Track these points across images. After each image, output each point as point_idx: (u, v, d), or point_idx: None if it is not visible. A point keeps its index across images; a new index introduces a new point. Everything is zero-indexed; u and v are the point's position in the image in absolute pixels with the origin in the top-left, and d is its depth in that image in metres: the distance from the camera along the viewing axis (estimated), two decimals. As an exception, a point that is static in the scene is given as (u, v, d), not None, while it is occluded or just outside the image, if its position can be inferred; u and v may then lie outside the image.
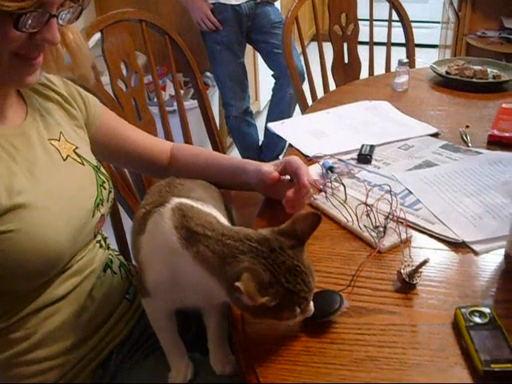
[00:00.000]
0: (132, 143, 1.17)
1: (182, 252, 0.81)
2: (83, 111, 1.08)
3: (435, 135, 1.44)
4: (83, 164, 1.01)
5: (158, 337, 0.96)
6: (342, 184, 1.12)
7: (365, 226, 1.01)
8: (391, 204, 1.02)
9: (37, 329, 0.93)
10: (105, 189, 1.04)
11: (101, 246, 1.06)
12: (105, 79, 1.50)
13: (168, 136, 1.69)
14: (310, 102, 2.04)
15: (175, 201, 0.89)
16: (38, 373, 0.94)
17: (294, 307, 0.76)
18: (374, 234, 1.00)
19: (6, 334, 0.92)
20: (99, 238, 1.07)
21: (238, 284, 0.70)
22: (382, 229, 1.00)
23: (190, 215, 0.84)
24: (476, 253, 0.97)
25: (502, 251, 0.93)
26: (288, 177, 1.10)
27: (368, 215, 1.04)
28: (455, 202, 1.11)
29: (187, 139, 1.79)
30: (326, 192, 1.12)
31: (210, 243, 0.79)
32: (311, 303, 0.79)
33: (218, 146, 1.88)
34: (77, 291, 0.97)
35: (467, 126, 1.46)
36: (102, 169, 1.07)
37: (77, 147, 1.01)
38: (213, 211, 0.89)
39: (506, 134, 1.37)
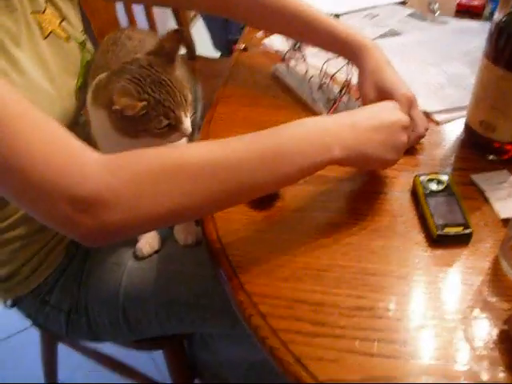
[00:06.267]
0: None
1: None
2: None
3: (402, 3, 1.40)
4: (68, 41, 0.94)
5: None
6: (302, 55, 1.10)
7: (318, 99, 1.00)
8: (347, 75, 1.01)
9: (17, 211, 0.91)
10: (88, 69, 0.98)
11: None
12: None
13: None
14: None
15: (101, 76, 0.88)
16: (12, 252, 0.95)
17: (159, 117, 0.80)
18: (325, 107, 0.99)
19: None
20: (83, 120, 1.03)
21: (115, 106, 0.76)
22: (333, 102, 1.00)
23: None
24: (437, 122, 0.98)
25: (463, 121, 0.94)
26: None
27: (321, 87, 1.03)
28: (419, 71, 1.10)
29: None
30: (287, 62, 1.10)
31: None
32: (187, 122, 0.83)
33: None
34: None
35: (435, -6, 1.43)
36: (88, 44, 1.00)
37: (63, 19, 0.94)
38: None
39: (475, 2, 1.35)
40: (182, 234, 0.98)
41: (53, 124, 0.62)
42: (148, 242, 0.99)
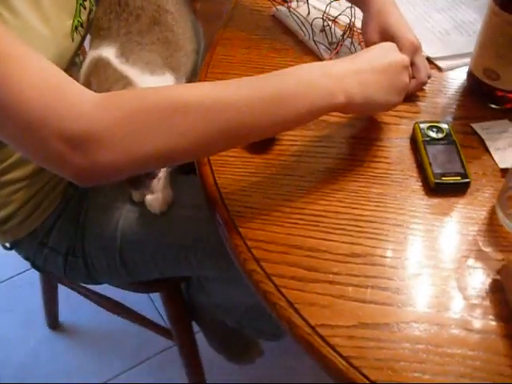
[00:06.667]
0: None
1: None
2: None
3: None
4: None
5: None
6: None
7: (319, 42, 0.98)
8: (349, 19, 0.98)
9: (12, 154, 0.90)
10: (84, 8, 0.95)
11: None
12: None
13: None
14: None
15: (96, 53, 0.88)
16: (9, 195, 0.94)
17: None
18: (327, 50, 0.97)
19: None
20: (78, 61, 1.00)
21: None
22: (335, 46, 0.97)
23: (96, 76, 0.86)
24: (440, 69, 0.96)
25: (466, 68, 0.92)
26: None
27: (323, 30, 1.01)
28: (425, 17, 1.07)
29: None
30: (289, 3, 1.07)
31: None
32: None
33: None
34: None
35: None
36: None
37: None
38: (132, 72, 0.88)
39: None
40: (156, 201, 0.97)
41: (46, 63, 0.61)
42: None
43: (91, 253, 1.01)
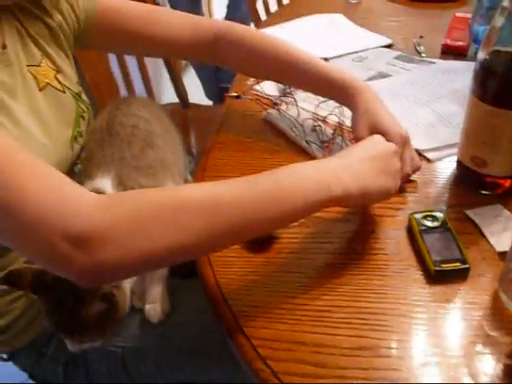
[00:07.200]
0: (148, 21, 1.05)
1: None
2: (72, 17, 0.99)
3: (389, 46, 1.44)
4: (64, 91, 0.96)
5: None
6: (294, 99, 1.12)
7: (311, 142, 1.01)
8: (339, 118, 1.03)
9: (14, 260, 0.90)
10: (83, 119, 1.00)
11: None
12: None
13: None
14: (263, 16, 2.00)
15: (92, 186, 0.89)
16: (10, 302, 0.94)
17: None
18: (319, 149, 1.00)
19: None
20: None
21: None
22: (327, 144, 1.01)
23: None
24: (429, 160, 0.99)
25: (455, 158, 0.95)
26: None
27: (314, 130, 1.04)
28: (409, 112, 1.12)
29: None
30: (279, 106, 1.12)
31: None
32: None
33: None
34: None
35: (421, 37, 1.46)
36: (83, 96, 1.02)
37: (58, 72, 0.95)
38: None
39: (459, 43, 1.38)
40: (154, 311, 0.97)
41: (49, 168, 0.63)
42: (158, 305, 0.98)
43: (92, 361, 0.99)
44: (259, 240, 0.79)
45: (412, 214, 0.84)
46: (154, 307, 0.95)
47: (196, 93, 2.46)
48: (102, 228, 0.60)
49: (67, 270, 0.61)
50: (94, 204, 0.62)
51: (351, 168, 0.74)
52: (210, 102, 2.78)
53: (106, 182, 0.90)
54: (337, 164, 0.74)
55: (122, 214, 0.61)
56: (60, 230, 0.59)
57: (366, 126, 0.91)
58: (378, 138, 0.82)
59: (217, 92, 2.86)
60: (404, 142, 0.88)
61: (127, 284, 0.85)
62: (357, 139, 0.92)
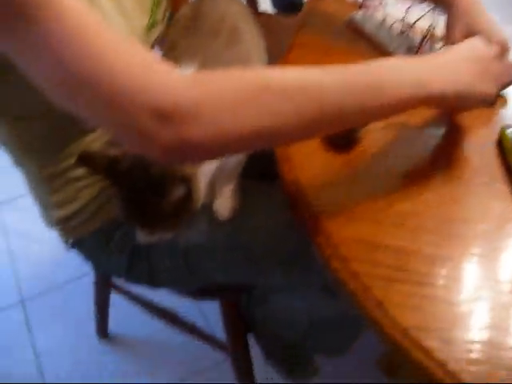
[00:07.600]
0: None
1: None
2: None
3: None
4: None
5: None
6: (381, 2, 1.05)
7: (398, 47, 0.96)
8: (431, 22, 0.96)
9: (79, 149, 0.88)
10: (159, 7, 0.96)
11: None
12: None
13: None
14: None
15: None
16: (77, 190, 0.94)
17: None
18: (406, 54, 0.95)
19: (62, 148, 0.90)
20: None
21: None
22: (416, 50, 0.95)
23: None
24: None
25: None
26: None
27: (402, 35, 0.99)
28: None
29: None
30: (366, 8, 1.06)
31: None
32: None
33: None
34: None
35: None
36: None
37: None
38: None
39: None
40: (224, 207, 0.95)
41: (136, 44, 0.61)
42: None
43: (155, 254, 0.99)
44: (341, 141, 0.75)
45: (504, 127, 0.79)
46: (224, 203, 0.94)
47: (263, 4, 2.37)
48: (188, 104, 0.58)
49: (151, 144, 0.60)
50: (181, 80, 0.59)
51: (449, 64, 0.70)
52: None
53: (189, 72, 0.87)
54: (435, 62, 0.70)
55: (208, 92, 0.59)
56: (146, 104, 0.57)
57: (465, 28, 0.85)
58: (477, 40, 0.76)
59: (285, 2, 2.79)
60: (505, 49, 0.82)
61: (202, 177, 0.83)
62: (452, 43, 0.86)
